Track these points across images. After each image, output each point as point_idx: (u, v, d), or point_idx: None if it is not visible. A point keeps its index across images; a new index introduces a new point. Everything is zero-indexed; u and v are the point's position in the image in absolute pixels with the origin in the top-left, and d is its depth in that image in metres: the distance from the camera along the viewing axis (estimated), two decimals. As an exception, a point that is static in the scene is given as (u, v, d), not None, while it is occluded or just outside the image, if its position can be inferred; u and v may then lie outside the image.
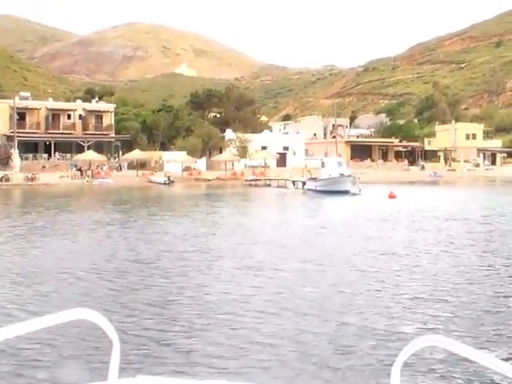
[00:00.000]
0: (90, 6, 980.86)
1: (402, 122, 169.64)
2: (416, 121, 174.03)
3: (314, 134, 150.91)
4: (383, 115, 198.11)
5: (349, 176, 70.07)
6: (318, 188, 70.99)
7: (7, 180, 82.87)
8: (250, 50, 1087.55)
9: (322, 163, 77.79)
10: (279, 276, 19.54)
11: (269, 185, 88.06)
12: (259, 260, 22.73)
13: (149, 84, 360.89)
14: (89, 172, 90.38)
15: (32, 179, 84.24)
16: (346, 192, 65.68)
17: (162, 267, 21.51)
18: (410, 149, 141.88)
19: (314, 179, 75.67)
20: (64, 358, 11.87)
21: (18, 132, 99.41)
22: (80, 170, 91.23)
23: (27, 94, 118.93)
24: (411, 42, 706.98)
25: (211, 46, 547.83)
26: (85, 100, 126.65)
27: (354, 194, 65.05)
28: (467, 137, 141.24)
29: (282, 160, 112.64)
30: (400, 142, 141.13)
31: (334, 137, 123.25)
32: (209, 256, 23.80)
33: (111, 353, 2.60)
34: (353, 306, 15.75)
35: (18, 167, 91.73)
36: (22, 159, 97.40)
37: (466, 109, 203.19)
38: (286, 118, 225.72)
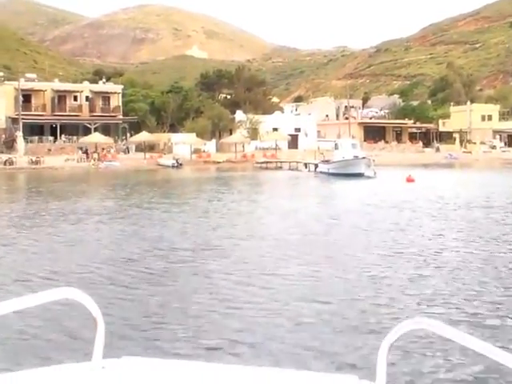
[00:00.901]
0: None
1: (415, 103, 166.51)
2: (430, 102, 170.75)
3: (326, 116, 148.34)
4: (396, 96, 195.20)
5: (363, 158, 66.67)
6: (330, 171, 68.15)
7: (11, 163, 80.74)
8: (262, 32, 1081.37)
9: (336, 145, 74.96)
10: (281, 283, 16.27)
11: (280, 167, 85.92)
12: (259, 262, 19.20)
13: (160, 66, 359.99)
14: (95, 155, 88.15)
15: (36, 162, 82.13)
16: (360, 175, 62.81)
17: (147, 268, 18.23)
18: (424, 130, 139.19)
19: (327, 162, 72.74)
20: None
21: (23, 114, 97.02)
22: (86, 152, 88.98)
23: (33, 76, 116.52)
24: (423, 23, 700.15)
25: (222, 27, 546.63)
26: (93, 82, 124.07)
27: (369, 178, 62.06)
28: (483, 118, 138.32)
29: (293, 142, 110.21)
30: (414, 123, 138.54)
31: (347, 118, 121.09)
32: (206, 254, 20.50)
33: (95, 333, 2.62)
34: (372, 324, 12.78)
35: (22, 150, 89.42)
36: (27, 142, 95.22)
37: (480, 90, 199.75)
38: (298, 99, 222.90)
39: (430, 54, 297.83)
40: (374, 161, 67.59)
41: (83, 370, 2.62)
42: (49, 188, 50.64)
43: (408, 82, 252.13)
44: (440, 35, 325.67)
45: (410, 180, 53.73)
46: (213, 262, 19.28)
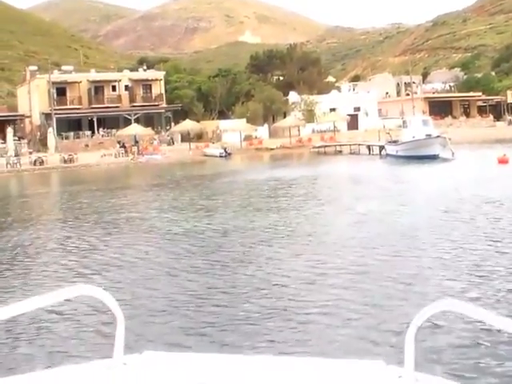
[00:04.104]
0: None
1: (479, 75, 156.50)
2: (493, 73, 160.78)
3: (386, 93, 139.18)
4: (458, 69, 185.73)
5: (437, 137, 56.73)
6: (399, 153, 58.57)
7: (41, 163, 73.00)
8: (314, 13, 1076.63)
9: (404, 122, 65.36)
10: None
11: (340, 151, 77.11)
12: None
13: (213, 54, 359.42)
14: (134, 148, 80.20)
15: (69, 161, 74.31)
16: (434, 157, 53.27)
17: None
18: (494, 103, 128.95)
19: (395, 142, 63.27)
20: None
21: (58, 109, 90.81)
22: (124, 146, 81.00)
23: (70, 68, 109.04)
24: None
25: (274, 11, 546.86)
26: (135, 71, 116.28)
27: (446, 160, 52.47)
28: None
29: (353, 122, 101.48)
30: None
31: (408, 94, 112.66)
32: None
33: (116, 329, 2.64)
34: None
35: (53, 148, 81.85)
36: (62, 138, 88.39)
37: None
38: (355, 79, 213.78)
39: (490, 24, 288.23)
40: (450, 139, 57.56)
41: (105, 367, 2.58)
42: (73, 195, 41.93)
43: (469, 54, 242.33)
44: (499, 4, 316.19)
45: (503, 161, 42.75)
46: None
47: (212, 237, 21.80)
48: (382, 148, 66.04)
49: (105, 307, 2.53)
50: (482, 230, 19.50)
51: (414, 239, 18.70)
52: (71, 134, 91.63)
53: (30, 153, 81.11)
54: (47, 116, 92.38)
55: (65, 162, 73.99)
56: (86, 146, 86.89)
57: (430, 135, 57.17)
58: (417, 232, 20.00)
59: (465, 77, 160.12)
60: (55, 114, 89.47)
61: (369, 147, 70.86)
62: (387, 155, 62.07)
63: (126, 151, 79.71)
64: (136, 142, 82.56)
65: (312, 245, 19.12)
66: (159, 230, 23.81)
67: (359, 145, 74.78)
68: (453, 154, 53.72)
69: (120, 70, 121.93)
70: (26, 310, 2.44)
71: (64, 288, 2.55)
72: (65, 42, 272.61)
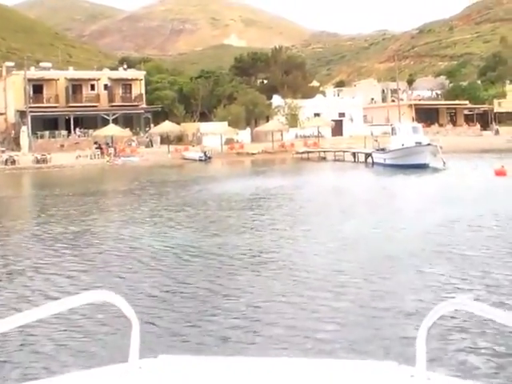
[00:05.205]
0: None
1: (464, 83, 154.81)
2: (479, 82, 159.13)
3: (372, 99, 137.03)
4: (443, 77, 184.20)
5: (428, 145, 54.42)
6: (387, 162, 55.86)
7: (13, 163, 70.09)
8: (300, 18, 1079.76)
9: (393, 129, 62.44)
10: None
11: (324, 158, 74.58)
12: None
13: (198, 56, 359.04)
14: (111, 150, 77.21)
15: (42, 161, 71.34)
16: (424, 166, 50.86)
17: None
18: (481, 112, 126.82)
19: (383, 150, 60.59)
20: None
21: (34, 107, 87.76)
22: (100, 147, 77.96)
23: (48, 65, 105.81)
24: (466, 3, 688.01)
25: (260, 15, 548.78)
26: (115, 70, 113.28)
27: (437, 170, 49.90)
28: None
29: (337, 128, 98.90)
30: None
31: (393, 101, 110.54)
32: None
33: (131, 333, 2.68)
34: None
35: (26, 148, 78.95)
36: (37, 137, 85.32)
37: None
38: (340, 84, 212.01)
39: (476, 32, 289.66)
40: (441, 147, 54.85)
41: (120, 372, 2.60)
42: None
43: (455, 62, 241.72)
44: (485, 13, 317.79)
45: (501, 173, 39.52)
46: None
47: (163, 261, 18.58)
48: (368, 155, 63.43)
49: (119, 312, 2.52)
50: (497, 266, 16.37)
51: (397, 282, 15.30)
52: (47, 133, 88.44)
53: (3, 152, 78.32)
54: (22, 114, 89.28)
55: (37, 162, 71.22)
56: (62, 146, 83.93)
57: (419, 143, 54.68)
58: (405, 269, 16.55)
59: (450, 85, 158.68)
60: (31, 112, 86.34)
61: (354, 154, 68.17)
62: (374, 163, 59.50)
63: (102, 153, 76.80)
64: (107, 143, 79.82)
65: (281, 280, 15.75)
66: (106, 249, 20.75)
67: (344, 152, 72.07)
68: (444, 163, 51.22)
69: (100, 68, 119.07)
70: (40, 317, 2.43)
71: (79, 294, 2.53)
72: (48, 40, 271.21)
